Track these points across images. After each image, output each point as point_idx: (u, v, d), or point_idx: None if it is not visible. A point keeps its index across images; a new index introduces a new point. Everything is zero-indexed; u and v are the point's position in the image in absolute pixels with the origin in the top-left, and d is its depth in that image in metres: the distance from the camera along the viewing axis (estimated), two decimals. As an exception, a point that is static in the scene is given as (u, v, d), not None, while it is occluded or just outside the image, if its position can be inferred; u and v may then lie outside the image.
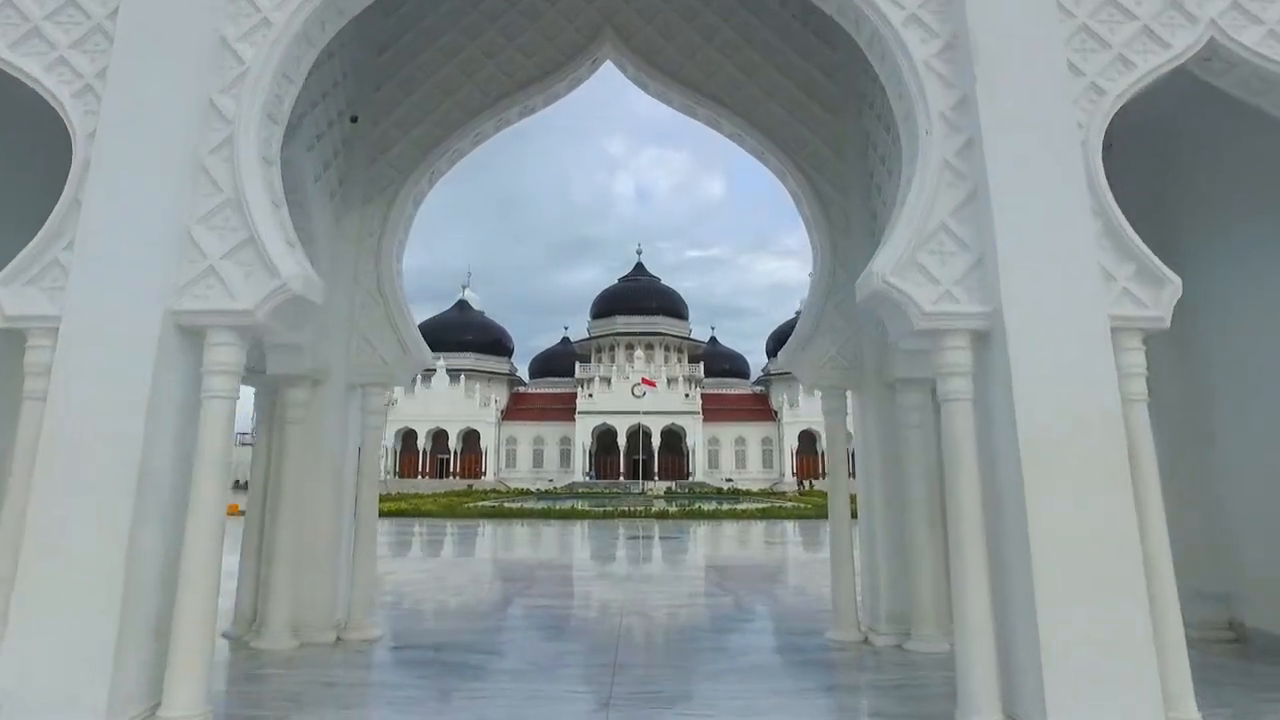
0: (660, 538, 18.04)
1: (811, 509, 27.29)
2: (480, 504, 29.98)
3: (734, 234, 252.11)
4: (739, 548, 16.23)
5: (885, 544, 6.25)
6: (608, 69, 7.49)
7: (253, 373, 6.32)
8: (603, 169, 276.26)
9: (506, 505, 29.73)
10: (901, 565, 6.10)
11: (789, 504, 31.69)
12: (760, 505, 30.57)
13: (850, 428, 6.89)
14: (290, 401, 6.20)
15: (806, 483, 55.71)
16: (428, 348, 6.77)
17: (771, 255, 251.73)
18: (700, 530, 20.40)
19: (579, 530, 20.25)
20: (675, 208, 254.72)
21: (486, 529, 20.51)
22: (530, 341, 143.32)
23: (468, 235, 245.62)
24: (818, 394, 6.68)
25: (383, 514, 24.17)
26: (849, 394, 6.66)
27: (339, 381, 6.49)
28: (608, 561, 13.03)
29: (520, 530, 20.21)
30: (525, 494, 45.89)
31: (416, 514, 24.86)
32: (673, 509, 27.64)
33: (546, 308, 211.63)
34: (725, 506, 30.46)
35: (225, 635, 6.26)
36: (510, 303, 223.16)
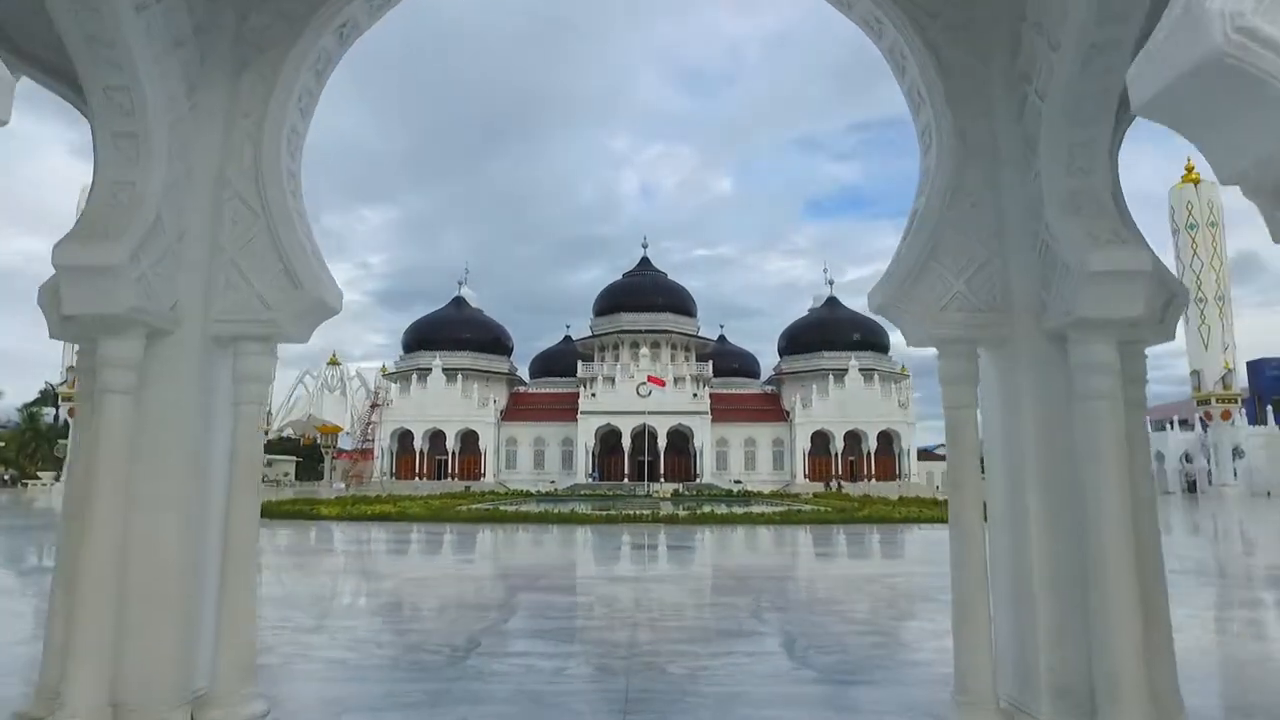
0: (670, 546, 15.76)
1: (834, 513, 25.01)
2: (474, 507, 27.71)
3: (742, 233, 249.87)
4: (764, 559, 13.96)
5: (1046, 578, 3.97)
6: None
7: (68, 320, 4.08)
8: (607, 166, 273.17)
9: (502, 508, 27.47)
10: (1076, 611, 3.82)
11: (807, 507, 29.36)
12: (777, 509, 28.25)
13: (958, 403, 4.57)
14: (109, 360, 3.94)
15: (834, 483, 53.44)
16: (335, 284, 4.52)
17: (781, 255, 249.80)
18: (714, 537, 18.10)
19: (579, 537, 17.98)
20: (682, 205, 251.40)
21: (474, 536, 18.24)
22: (534, 343, 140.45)
23: (468, 235, 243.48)
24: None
25: (363, 518, 21.98)
26: (981, 352, 4.36)
27: (194, 332, 4.23)
28: (610, 580, 10.76)
29: (513, 537, 17.95)
30: (525, 496, 43.65)
31: (402, 518, 22.59)
32: (682, 513, 25.36)
33: (549, 308, 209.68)
34: (739, 510, 28.18)
35: (19, 717, 4.05)
36: (512, 303, 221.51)
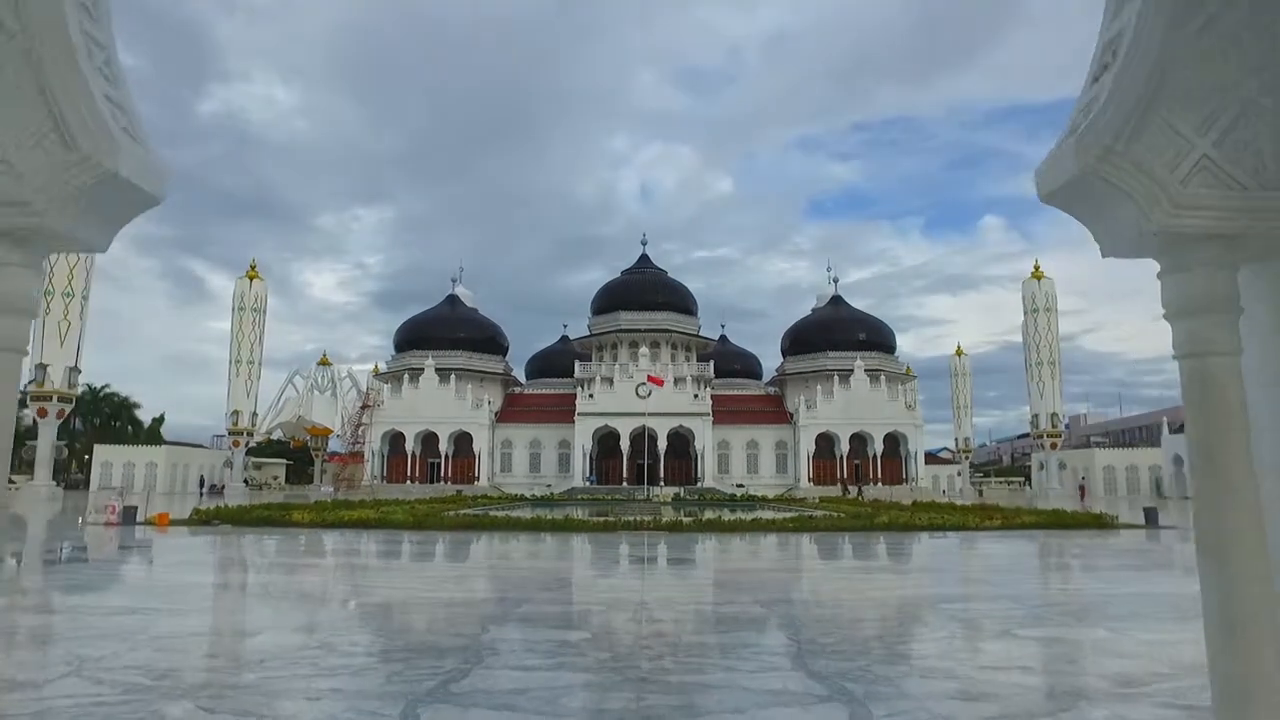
0: (677, 560, 13.97)
1: (848, 519, 23.21)
2: (462, 512, 25.85)
3: (743, 233, 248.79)
4: (789, 576, 12.16)
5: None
6: None
7: None
8: (605, 165, 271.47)
9: (492, 514, 25.61)
10: None
11: (818, 512, 27.54)
12: (786, 515, 26.42)
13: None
14: None
15: (853, 488, 51.40)
16: (145, 149, 2.72)
17: (782, 256, 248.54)
18: (724, 547, 16.29)
19: (574, 547, 16.17)
20: (682, 206, 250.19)
21: (456, 546, 16.41)
22: (530, 344, 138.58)
23: (466, 236, 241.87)
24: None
25: (339, 525, 20.13)
26: (1241, 267, 2.57)
27: (-125, 221, 2.44)
28: (608, 606, 8.94)
29: (501, 547, 16.12)
30: (520, 500, 41.76)
31: (381, 525, 20.69)
32: (685, 519, 23.51)
33: (547, 309, 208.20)
34: (746, 516, 26.33)
35: None
36: (509, 304, 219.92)
